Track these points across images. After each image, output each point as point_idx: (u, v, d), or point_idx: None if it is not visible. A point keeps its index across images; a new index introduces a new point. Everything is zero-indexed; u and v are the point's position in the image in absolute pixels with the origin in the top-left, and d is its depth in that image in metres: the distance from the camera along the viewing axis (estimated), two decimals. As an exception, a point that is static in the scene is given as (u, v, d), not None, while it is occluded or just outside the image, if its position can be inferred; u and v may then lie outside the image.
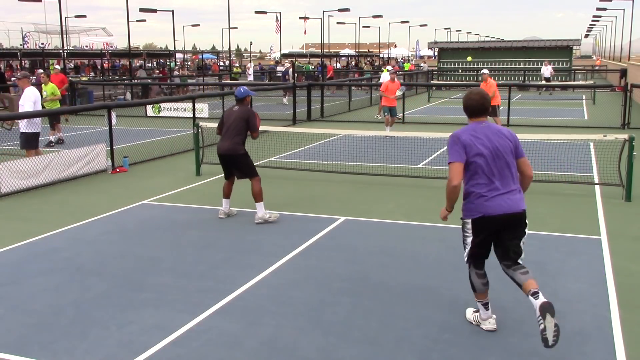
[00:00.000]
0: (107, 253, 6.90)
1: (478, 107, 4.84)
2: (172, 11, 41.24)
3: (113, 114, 12.32)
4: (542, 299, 4.43)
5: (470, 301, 5.17)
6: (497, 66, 41.77)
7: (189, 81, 34.39)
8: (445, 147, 4.73)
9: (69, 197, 9.77)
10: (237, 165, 8.08)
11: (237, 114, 8.02)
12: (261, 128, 14.92)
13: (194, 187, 10.41)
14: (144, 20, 59.37)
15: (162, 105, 21.49)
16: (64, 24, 32.55)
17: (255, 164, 8.43)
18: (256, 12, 57.95)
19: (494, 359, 4.46)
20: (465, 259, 4.95)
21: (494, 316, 5.02)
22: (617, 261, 6.52)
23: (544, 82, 33.20)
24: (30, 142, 11.32)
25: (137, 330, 4.92)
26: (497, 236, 4.79)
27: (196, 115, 15.89)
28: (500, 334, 4.83)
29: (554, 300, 5.46)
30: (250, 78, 38.52)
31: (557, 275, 6.11)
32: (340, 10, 49.04)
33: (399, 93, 17.28)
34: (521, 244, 4.82)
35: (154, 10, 40.48)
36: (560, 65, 40.78)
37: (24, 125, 11.24)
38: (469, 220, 4.78)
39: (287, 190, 10.16)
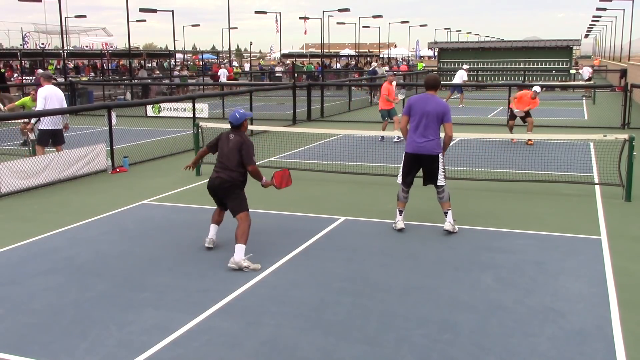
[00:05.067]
0: (107, 253, 6.90)
1: (429, 84, 7.48)
2: (172, 11, 41.30)
3: (113, 114, 12.32)
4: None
5: (468, 298, 5.14)
6: (497, 66, 41.77)
7: (190, 81, 34.38)
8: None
9: (69, 197, 9.77)
10: (229, 195, 6.76)
11: (232, 144, 6.71)
12: (261, 128, 15.33)
13: (194, 187, 10.40)
14: (144, 20, 59.44)
15: (162, 105, 21.48)
16: (64, 24, 32.52)
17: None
18: (256, 12, 58.07)
19: (494, 359, 4.46)
20: (400, 180, 7.59)
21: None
22: (617, 261, 6.52)
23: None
24: (40, 139, 11.52)
25: (137, 330, 4.92)
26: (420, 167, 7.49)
27: (196, 115, 15.89)
28: (500, 334, 4.83)
29: (554, 300, 5.48)
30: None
31: (557, 275, 6.11)
32: (340, 10, 48.98)
33: (401, 97, 16.99)
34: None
35: (154, 10, 40.49)
36: (560, 66, 40.79)
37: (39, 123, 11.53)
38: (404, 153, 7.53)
39: (287, 190, 10.13)
